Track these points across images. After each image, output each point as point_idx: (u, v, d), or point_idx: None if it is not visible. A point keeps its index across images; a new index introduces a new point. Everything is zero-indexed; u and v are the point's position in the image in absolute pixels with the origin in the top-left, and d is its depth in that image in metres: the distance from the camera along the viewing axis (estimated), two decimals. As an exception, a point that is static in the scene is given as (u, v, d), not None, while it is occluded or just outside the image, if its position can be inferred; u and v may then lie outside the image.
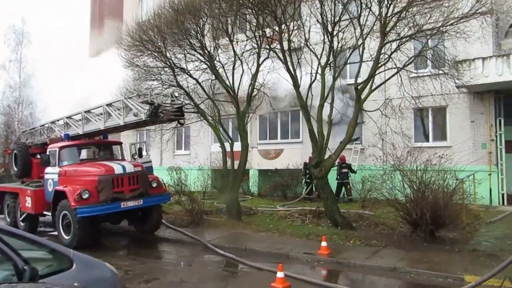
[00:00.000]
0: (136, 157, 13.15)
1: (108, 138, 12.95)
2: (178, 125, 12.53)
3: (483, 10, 10.52)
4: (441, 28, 10.67)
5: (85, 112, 12.02)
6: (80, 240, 9.69)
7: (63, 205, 10.09)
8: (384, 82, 11.42)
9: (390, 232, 10.17)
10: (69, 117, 12.70)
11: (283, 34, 11.73)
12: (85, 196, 9.71)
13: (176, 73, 13.47)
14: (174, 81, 13.52)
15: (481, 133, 14.86)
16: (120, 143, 12.98)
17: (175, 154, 23.06)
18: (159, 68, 13.72)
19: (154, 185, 11.12)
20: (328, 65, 11.68)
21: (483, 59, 13.60)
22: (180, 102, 10.91)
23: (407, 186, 9.61)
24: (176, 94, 10.80)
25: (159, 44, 12.97)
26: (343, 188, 16.13)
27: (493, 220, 11.55)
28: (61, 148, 11.39)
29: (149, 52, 13.25)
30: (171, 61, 13.20)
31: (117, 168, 10.22)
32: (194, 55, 13.32)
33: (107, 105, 11.20)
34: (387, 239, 9.55)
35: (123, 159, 12.22)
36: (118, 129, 11.93)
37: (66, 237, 10.03)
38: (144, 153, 13.99)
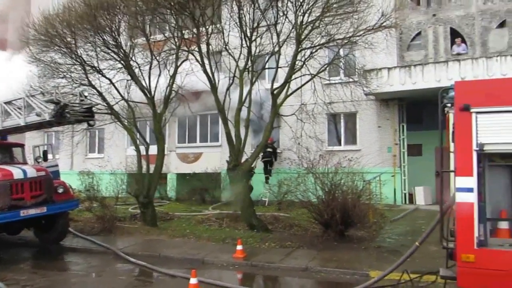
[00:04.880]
0: (40, 160, 12.14)
1: (7, 140, 11.83)
2: (89, 127, 11.83)
3: (388, 24, 11.33)
4: (351, 39, 11.30)
5: (-21, 110, 10.87)
6: (-29, 253, 8.73)
7: (-47, 214, 8.99)
8: (299, 88, 11.80)
9: (303, 233, 10.50)
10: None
11: (201, 37, 11.63)
12: (-22, 203, 8.75)
13: (87, 72, 12.72)
14: (86, 80, 12.76)
15: (387, 138, 15.97)
16: (21, 145, 11.92)
17: (87, 158, 21.78)
18: (69, 65, 12.85)
19: (60, 190, 10.37)
20: (246, 70, 11.79)
21: (389, 69, 14.68)
22: (89, 102, 10.31)
23: (319, 188, 9.99)
24: (86, 94, 10.19)
25: (69, 39, 12.16)
26: (268, 166, 16.70)
27: (396, 218, 12.44)
28: (-49, 150, 10.18)
29: (57, 47, 12.36)
30: (81, 58, 12.44)
31: (17, 173, 9.34)
32: (108, 53, 12.69)
33: (5, 103, 10.24)
34: (301, 240, 9.84)
35: (24, 163, 11.21)
36: (19, 130, 10.95)
37: (-45, 250, 8.96)
38: (50, 156, 12.97)
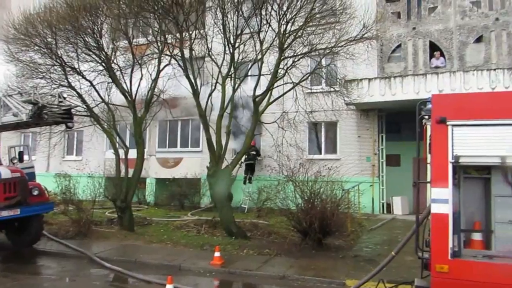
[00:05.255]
0: (15, 161, 11.86)
1: (-18, 140, 11.55)
2: (67, 129, 11.62)
3: (369, 35, 11.55)
4: (333, 49, 11.46)
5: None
6: None
7: None
8: (280, 96, 11.87)
9: (282, 241, 10.47)
10: None
11: (184, 42, 11.61)
12: None
13: (67, 73, 12.54)
14: (65, 81, 12.57)
15: (366, 147, 16.18)
16: (-4, 146, 11.66)
17: (64, 160, 21.37)
18: (48, 66, 12.64)
19: (35, 193, 10.14)
20: (229, 76, 11.80)
21: (369, 80, 14.90)
22: (68, 103, 10.14)
23: (298, 196, 10.03)
24: (65, 95, 10.01)
25: (49, 39, 11.97)
26: (249, 173, 16.82)
27: (374, 228, 12.58)
28: None
29: (37, 47, 12.15)
30: (61, 59, 12.25)
31: (-10, 174, 9.12)
32: (89, 55, 12.55)
33: (-19, 102, 9.97)
34: (279, 248, 9.83)
35: (-1, 164, 10.96)
36: (-6, 129, 10.70)
37: None
38: (26, 157, 12.68)
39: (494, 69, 13.82)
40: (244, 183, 16.57)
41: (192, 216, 14.60)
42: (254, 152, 16.83)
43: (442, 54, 15.98)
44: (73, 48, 12.36)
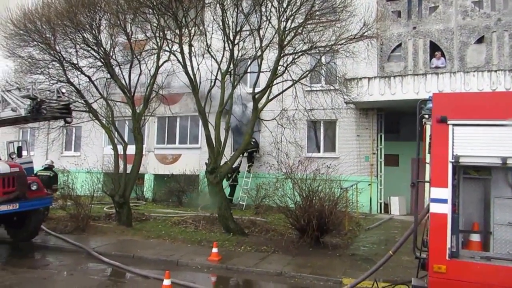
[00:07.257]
0: (14, 156, 11.85)
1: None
2: (66, 124, 11.60)
3: (369, 34, 11.51)
4: (333, 47, 11.41)
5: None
6: None
7: None
8: (280, 93, 11.83)
9: (279, 238, 10.47)
10: None
11: (184, 38, 11.57)
12: None
13: (66, 68, 12.50)
14: (64, 77, 12.54)
15: (365, 147, 16.16)
16: (-6, 141, 11.63)
17: (63, 155, 21.33)
18: (47, 61, 12.61)
19: (34, 187, 10.10)
20: (228, 73, 11.77)
21: (369, 79, 14.86)
22: (67, 99, 10.11)
23: (297, 194, 10.02)
24: (64, 90, 9.95)
25: (48, 35, 11.93)
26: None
27: (371, 227, 12.58)
28: None
29: (35, 43, 12.12)
30: (60, 55, 12.22)
31: (-11, 168, 9.10)
32: (88, 50, 12.52)
33: (-20, 97, 9.92)
34: (276, 245, 9.84)
35: (-3, 159, 10.94)
36: (-7, 124, 10.65)
37: None
38: (24, 152, 12.69)
39: (495, 71, 13.78)
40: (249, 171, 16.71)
41: (202, 211, 14.53)
42: (254, 139, 16.60)
43: (442, 54, 15.94)
44: (72, 44, 12.34)
